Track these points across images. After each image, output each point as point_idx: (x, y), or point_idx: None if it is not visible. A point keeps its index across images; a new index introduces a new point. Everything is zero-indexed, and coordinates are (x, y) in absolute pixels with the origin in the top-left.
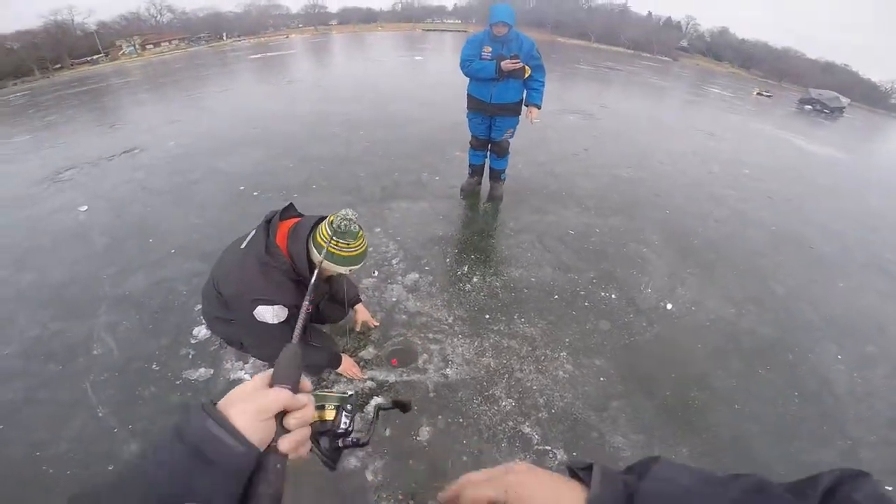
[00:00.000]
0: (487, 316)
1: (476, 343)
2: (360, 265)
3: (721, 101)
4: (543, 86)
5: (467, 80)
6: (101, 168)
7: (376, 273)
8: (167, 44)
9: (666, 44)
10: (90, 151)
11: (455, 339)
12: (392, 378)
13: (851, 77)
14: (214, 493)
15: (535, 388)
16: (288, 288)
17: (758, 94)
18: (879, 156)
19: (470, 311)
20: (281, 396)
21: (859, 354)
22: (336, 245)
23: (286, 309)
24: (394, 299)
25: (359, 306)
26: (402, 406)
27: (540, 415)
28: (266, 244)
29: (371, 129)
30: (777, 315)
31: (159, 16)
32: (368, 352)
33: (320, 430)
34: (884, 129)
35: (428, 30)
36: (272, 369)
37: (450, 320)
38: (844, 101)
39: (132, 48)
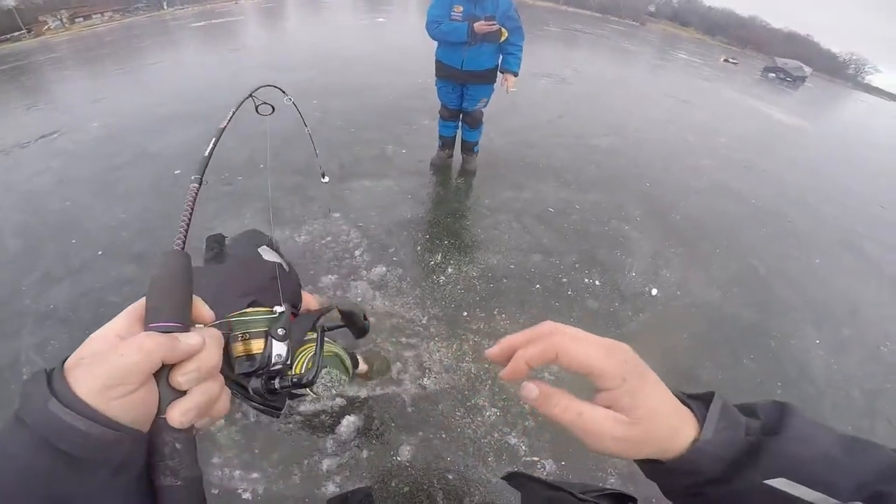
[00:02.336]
0: (465, 313)
1: (454, 346)
2: None
3: (690, 67)
4: (521, 51)
5: (435, 43)
6: (14, 157)
7: (337, 268)
8: (99, 16)
9: (634, 7)
10: (1, 138)
11: (431, 343)
12: (364, 393)
13: (813, 48)
14: (97, 501)
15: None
16: None
17: (724, 60)
18: (840, 125)
19: (446, 308)
20: (147, 346)
21: (835, 339)
22: None
23: None
24: (359, 299)
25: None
26: (352, 319)
27: (526, 423)
28: None
29: (325, 97)
30: (760, 296)
31: None
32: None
33: (248, 371)
34: (842, 98)
35: None
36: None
37: (424, 321)
38: (807, 70)
39: (58, 22)
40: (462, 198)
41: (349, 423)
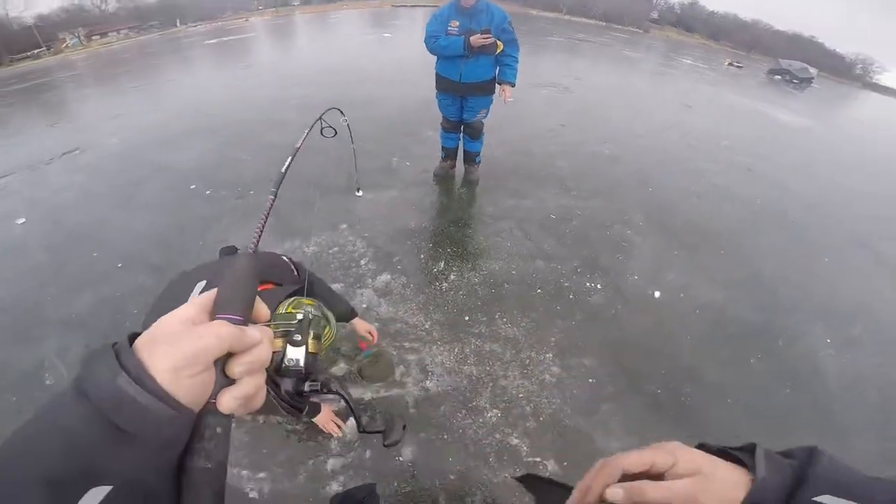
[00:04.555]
0: (467, 318)
1: (456, 349)
2: None
3: (694, 72)
4: (517, 62)
5: (435, 57)
6: (40, 173)
7: (344, 277)
8: (115, 34)
9: (637, 15)
10: (27, 155)
11: (433, 347)
12: (368, 395)
13: (818, 49)
14: (133, 475)
15: (521, 395)
16: None
17: (729, 64)
18: (849, 126)
19: (448, 313)
20: (222, 334)
21: (846, 337)
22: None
23: None
24: (364, 305)
25: (356, 320)
26: (391, 426)
27: (528, 424)
28: None
29: (334, 111)
30: (765, 297)
31: (104, 5)
32: (339, 367)
33: (280, 371)
34: (850, 99)
35: (398, 5)
36: (215, 289)
37: (427, 325)
38: (813, 71)
39: (76, 40)
40: (465, 207)
41: (354, 424)
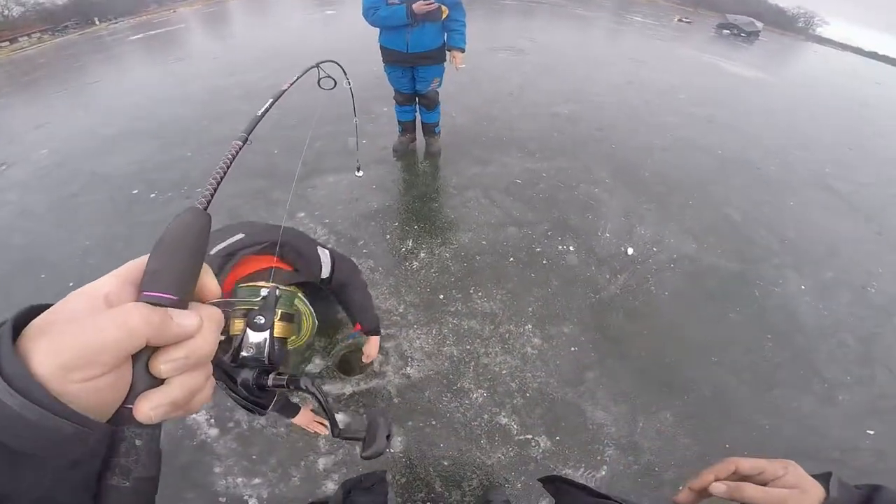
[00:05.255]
0: (442, 296)
1: (434, 331)
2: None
3: (646, 29)
4: (465, 26)
5: (377, 30)
6: None
7: None
8: (26, 38)
9: None
10: None
11: (410, 331)
12: (349, 389)
13: (761, 4)
14: (42, 494)
15: (504, 371)
16: None
17: (679, 20)
18: (797, 76)
19: (421, 293)
20: (133, 324)
21: (820, 282)
22: None
23: None
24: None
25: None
26: (372, 431)
27: (515, 401)
28: None
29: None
30: (738, 245)
31: (6, 11)
32: (315, 364)
33: (237, 360)
34: (795, 50)
35: None
36: (146, 257)
37: (401, 309)
38: (759, 25)
39: None
40: (428, 180)
41: (338, 420)
